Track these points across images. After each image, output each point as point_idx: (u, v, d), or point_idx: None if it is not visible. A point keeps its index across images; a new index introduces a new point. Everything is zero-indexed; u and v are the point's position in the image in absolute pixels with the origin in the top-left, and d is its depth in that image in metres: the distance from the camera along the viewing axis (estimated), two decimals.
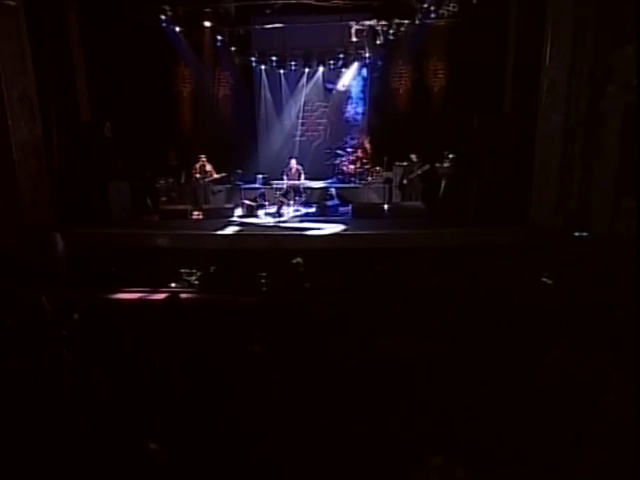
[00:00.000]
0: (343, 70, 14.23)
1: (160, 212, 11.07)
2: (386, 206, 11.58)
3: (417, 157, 11.72)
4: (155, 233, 9.21)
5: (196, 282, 7.53)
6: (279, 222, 10.49)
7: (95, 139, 10.79)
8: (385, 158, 12.21)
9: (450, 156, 11.06)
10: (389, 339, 3.79)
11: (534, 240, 8.98)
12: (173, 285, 6.17)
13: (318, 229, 9.50)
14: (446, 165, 11.09)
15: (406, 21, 13.17)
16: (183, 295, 5.31)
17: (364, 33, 13.63)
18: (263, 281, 7.06)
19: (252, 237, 9.12)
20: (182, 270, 7.57)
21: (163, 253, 8.66)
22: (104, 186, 10.43)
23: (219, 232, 9.23)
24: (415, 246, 8.85)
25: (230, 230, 9.52)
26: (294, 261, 8.04)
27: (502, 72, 10.65)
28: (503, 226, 9.37)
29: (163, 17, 12.29)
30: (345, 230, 9.48)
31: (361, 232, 9.14)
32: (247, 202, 11.47)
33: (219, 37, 13.35)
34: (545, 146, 9.22)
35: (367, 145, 13.71)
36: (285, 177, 11.99)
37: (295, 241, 8.88)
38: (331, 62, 14.11)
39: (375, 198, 12.51)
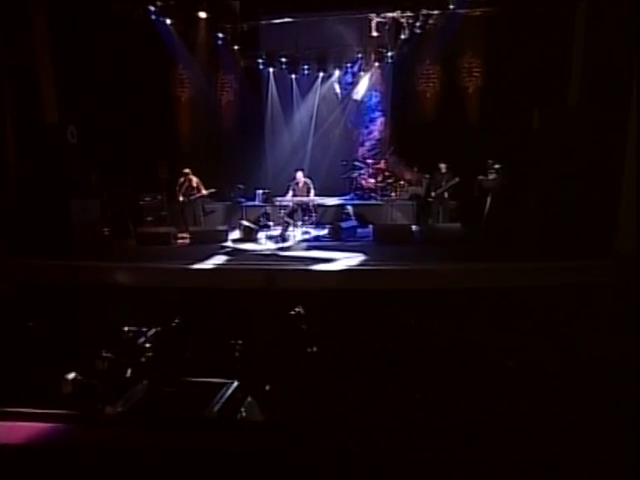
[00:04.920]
0: (361, 73, 11.40)
1: (137, 236, 8.27)
2: (414, 227, 8.61)
3: (447, 167, 8.71)
4: (112, 266, 6.36)
5: (146, 345, 4.64)
6: (281, 249, 7.58)
7: (62, 145, 8.10)
8: (415, 168, 9.21)
9: (496, 166, 8.04)
10: None
11: (629, 278, 5.86)
12: (71, 376, 3.31)
13: (329, 260, 6.55)
14: (492, 177, 8.05)
15: (436, 11, 10.34)
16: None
17: (386, 27, 10.81)
18: (237, 353, 4.13)
19: (239, 273, 6.19)
20: (127, 328, 4.70)
21: (119, 295, 5.82)
22: (66, 204, 7.69)
23: (197, 266, 6.33)
24: (462, 287, 5.82)
25: (214, 262, 6.63)
26: (293, 312, 5.12)
27: (564, 56, 7.61)
28: (581, 258, 6.24)
29: (152, 8, 9.69)
30: (365, 261, 6.50)
31: (387, 266, 6.13)
32: (244, 223, 8.61)
33: (220, 35, 10.70)
34: None
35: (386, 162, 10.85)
36: (291, 193, 9.09)
37: (297, 279, 5.94)
38: (348, 64, 11.33)
39: (400, 218, 9.54)
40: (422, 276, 5.91)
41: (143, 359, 4.43)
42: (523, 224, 7.37)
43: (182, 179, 9.01)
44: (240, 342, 4.21)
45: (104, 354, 3.69)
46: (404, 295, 5.66)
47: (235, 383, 3.53)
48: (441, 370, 3.86)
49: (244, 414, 3.41)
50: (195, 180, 9.01)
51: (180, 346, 4.39)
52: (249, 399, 3.43)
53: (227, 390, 3.47)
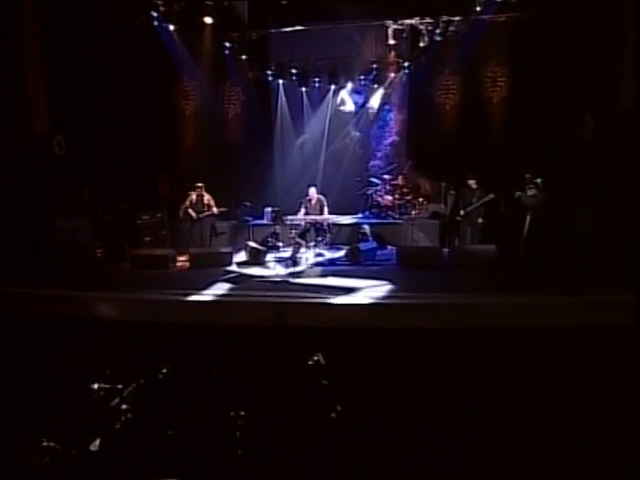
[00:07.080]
0: (376, 85, 10.38)
1: (131, 259, 7.15)
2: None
3: (477, 183, 7.60)
4: (89, 297, 5.21)
5: (123, 407, 3.46)
6: (292, 274, 6.41)
7: (49, 157, 7.07)
8: (443, 184, 8.09)
9: (536, 180, 6.89)
10: None
11: None
12: None
13: (350, 290, 5.37)
14: (531, 193, 6.89)
15: (457, 18, 9.32)
16: None
17: (404, 34, 9.81)
18: (239, 432, 2.95)
19: (243, 306, 5.01)
20: (97, 386, 3.53)
21: (94, 336, 4.65)
22: (51, 223, 6.60)
23: (193, 297, 5.17)
24: (514, 325, 4.62)
25: (214, 291, 5.47)
26: (310, 362, 3.93)
27: (610, 57, 6.50)
28: None
29: (155, 14, 8.75)
30: (393, 292, 5.32)
31: (421, 299, 4.93)
32: (251, 244, 7.48)
33: (227, 44, 9.73)
34: None
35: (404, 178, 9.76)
36: (303, 211, 7.97)
37: (313, 314, 4.76)
38: (362, 75, 10.30)
39: (422, 238, 8.37)
40: (466, 311, 4.71)
41: (117, 425, 3.26)
42: (571, 246, 6.18)
43: (194, 194, 7.97)
44: (242, 414, 3.02)
45: (45, 443, 2.51)
46: (446, 335, 4.46)
47: None
48: (522, 460, 2.66)
49: None
50: (207, 197, 7.98)
51: (164, 415, 3.20)
52: None
53: None
